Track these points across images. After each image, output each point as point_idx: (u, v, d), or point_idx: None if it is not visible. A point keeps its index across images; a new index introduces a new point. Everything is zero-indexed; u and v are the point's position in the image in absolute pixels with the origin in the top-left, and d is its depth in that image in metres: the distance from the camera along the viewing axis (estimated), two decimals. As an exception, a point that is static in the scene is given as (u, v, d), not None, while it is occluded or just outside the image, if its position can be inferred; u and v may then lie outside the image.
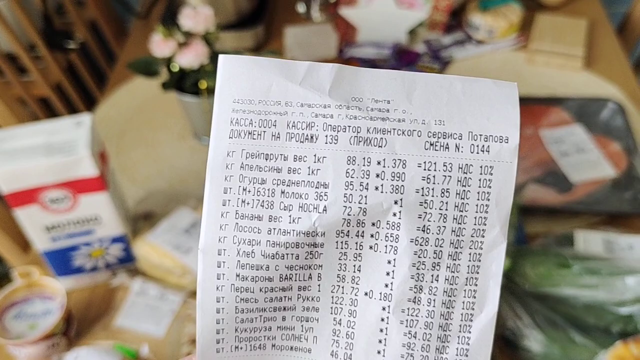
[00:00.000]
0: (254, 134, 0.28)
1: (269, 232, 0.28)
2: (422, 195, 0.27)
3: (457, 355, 0.28)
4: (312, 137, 0.28)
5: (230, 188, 0.28)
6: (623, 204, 0.70)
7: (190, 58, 0.70)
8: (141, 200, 0.76)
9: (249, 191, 0.28)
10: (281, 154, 0.28)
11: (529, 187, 0.71)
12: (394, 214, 0.28)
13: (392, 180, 0.28)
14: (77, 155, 0.56)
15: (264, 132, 0.28)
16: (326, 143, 0.28)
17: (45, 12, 0.95)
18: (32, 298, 0.63)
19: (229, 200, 0.28)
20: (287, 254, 0.28)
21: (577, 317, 0.59)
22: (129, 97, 0.92)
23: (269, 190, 0.28)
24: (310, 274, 0.29)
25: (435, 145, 0.27)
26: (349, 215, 0.28)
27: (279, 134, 0.28)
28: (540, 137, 0.77)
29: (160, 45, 0.70)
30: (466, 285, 0.28)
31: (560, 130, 0.78)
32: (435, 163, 0.27)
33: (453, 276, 0.28)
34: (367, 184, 0.27)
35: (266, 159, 0.28)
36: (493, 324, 0.28)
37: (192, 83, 0.73)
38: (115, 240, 0.65)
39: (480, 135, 0.27)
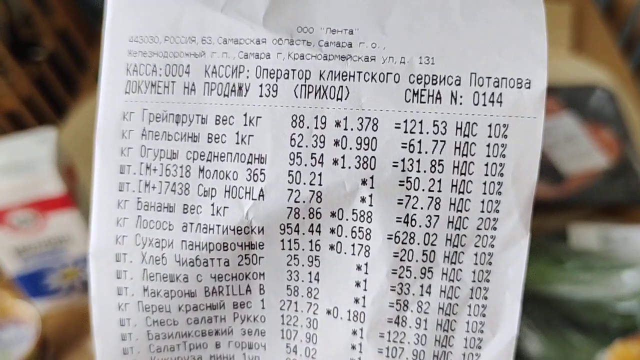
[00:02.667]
0: (158, 87, 0.21)
1: (184, 229, 0.20)
2: (403, 170, 0.19)
3: None
4: (240, 88, 0.20)
5: (129, 166, 0.21)
6: (617, 194, 0.68)
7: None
8: (117, 214, 0.73)
9: (155, 169, 0.21)
10: (198, 115, 0.20)
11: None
12: (363, 199, 0.20)
13: (358, 149, 0.19)
14: (41, 174, 0.54)
15: (173, 82, 0.20)
16: (261, 96, 0.20)
17: (11, 23, 0.92)
18: (4, 324, 0.60)
19: (128, 184, 0.21)
20: (212, 259, 0.20)
21: (573, 315, 0.57)
22: (102, 106, 0.89)
23: (182, 167, 0.20)
24: (248, 286, 0.21)
25: (421, 95, 0.19)
26: (296, 202, 0.20)
27: (193, 84, 0.20)
28: (528, 129, 0.75)
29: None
30: (471, 298, 0.20)
31: (549, 120, 0.76)
32: (421, 122, 0.19)
33: (452, 286, 0.20)
34: (322, 155, 0.20)
35: (177, 122, 0.20)
36: (511, 351, 0.21)
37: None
38: (90, 259, 0.62)
39: (489, 78, 0.19)
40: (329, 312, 0.21)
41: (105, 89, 0.21)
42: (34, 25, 0.99)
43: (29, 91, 0.91)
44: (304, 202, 0.20)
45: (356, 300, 0.21)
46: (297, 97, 0.20)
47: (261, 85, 0.20)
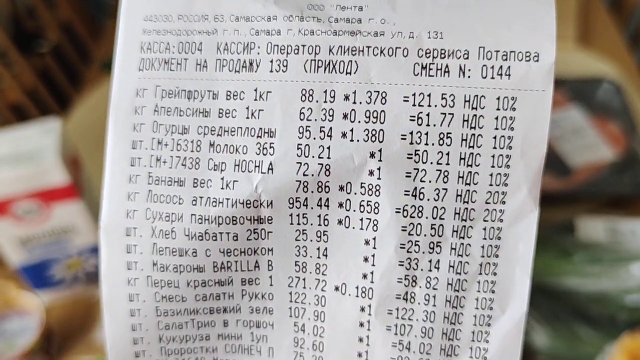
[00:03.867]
0: (171, 64, 0.21)
1: (194, 202, 0.20)
2: (411, 143, 0.19)
3: None
4: (251, 64, 0.20)
5: (141, 141, 0.21)
6: (624, 187, 0.68)
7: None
8: (122, 206, 0.73)
9: (166, 144, 0.21)
10: (209, 90, 0.20)
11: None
12: (371, 173, 0.20)
13: (367, 122, 0.19)
14: (46, 164, 0.54)
15: (185, 59, 0.21)
16: (271, 71, 0.20)
17: (15, 15, 0.92)
18: (9, 315, 0.60)
19: (139, 159, 0.21)
20: (220, 233, 0.20)
21: (580, 308, 0.57)
22: (106, 98, 0.89)
23: (192, 142, 0.21)
24: (256, 262, 0.21)
25: (429, 69, 0.19)
26: (305, 175, 0.20)
27: (205, 61, 0.21)
28: (535, 121, 0.74)
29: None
30: (480, 274, 0.20)
31: (556, 113, 0.75)
32: (429, 95, 0.19)
33: (461, 262, 0.20)
34: (331, 129, 0.20)
35: (188, 98, 0.21)
36: (521, 330, 0.20)
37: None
38: (94, 250, 0.62)
39: (497, 51, 0.19)
40: (337, 288, 0.21)
41: (119, 66, 0.22)
42: (38, 17, 0.98)
43: (33, 83, 0.91)
44: (312, 175, 0.20)
45: (364, 276, 0.21)
46: (306, 71, 0.20)
47: (271, 61, 0.20)
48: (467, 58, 0.19)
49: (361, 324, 0.21)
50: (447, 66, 0.19)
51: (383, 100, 0.19)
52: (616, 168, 0.69)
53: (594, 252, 0.58)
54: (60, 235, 0.60)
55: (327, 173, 0.20)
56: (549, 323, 0.56)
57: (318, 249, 0.21)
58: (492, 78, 0.19)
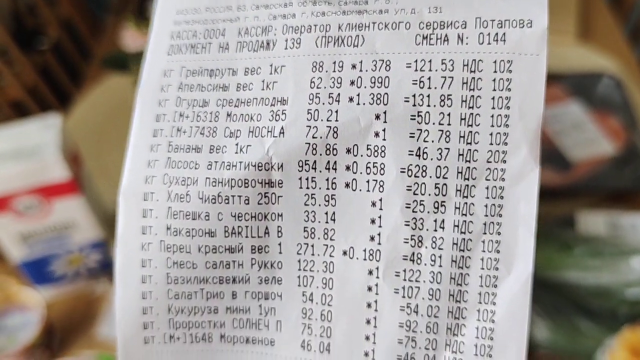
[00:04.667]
0: (197, 48, 0.23)
1: (209, 167, 0.21)
2: (414, 105, 0.20)
3: (477, 337, 0.21)
4: (268, 44, 0.22)
5: (165, 115, 0.22)
6: (624, 181, 0.68)
7: (165, 51, 0.67)
8: (123, 202, 0.73)
9: (187, 117, 0.22)
10: (229, 68, 0.22)
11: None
12: (376, 134, 0.21)
13: (372, 87, 0.21)
14: (46, 160, 0.54)
15: (210, 43, 0.23)
16: (286, 48, 0.22)
17: (15, 12, 0.92)
18: (10, 310, 0.60)
19: (162, 130, 0.22)
20: (233, 196, 0.21)
21: (581, 301, 0.57)
22: (106, 96, 0.89)
23: (211, 113, 0.22)
24: (267, 227, 0.22)
25: (430, 39, 0.21)
26: (314, 138, 0.21)
27: (227, 44, 0.22)
28: (535, 116, 0.74)
29: (132, 38, 0.67)
30: (485, 233, 0.20)
31: (555, 107, 0.75)
32: (430, 61, 0.20)
33: (465, 221, 0.20)
34: (339, 95, 0.21)
35: (210, 76, 0.22)
36: (528, 291, 0.21)
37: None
38: (95, 246, 0.62)
39: (492, 20, 0.20)
40: (345, 253, 0.21)
41: (150, 52, 0.23)
42: (39, 14, 0.98)
43: (33, 81, 0.91)
44: (321, 137, 0.21)
45: (372, 238, 0.21)
46: (317, 46, 0.21)
47: (286, 40, 0.22)
48: (465, 27, 0.20)
49: (369, 288, 0.21)
50: (446, 35, 0.21)
51: (387, 68, 0.21)
52: (616, 162, 0.69)
53: (595, 245, 0.58)
54: (61, 231, 0.60)
55: (335, 135, 0.21)
56: (550, 316, 0.56)
57: (326, 213, 0.21)
58: (489, 44, 0.20)
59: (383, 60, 0.21)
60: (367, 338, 0.22)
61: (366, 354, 0.22)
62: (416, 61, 0.21)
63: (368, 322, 0.22)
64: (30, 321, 0.59)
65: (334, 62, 0.21)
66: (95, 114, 0.87)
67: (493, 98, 0.20)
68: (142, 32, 0.67)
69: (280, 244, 0.22)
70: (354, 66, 0.21)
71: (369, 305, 0.21)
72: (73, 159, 0.57)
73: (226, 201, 0.21)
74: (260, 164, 0.21)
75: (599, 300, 0.57)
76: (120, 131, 0.84)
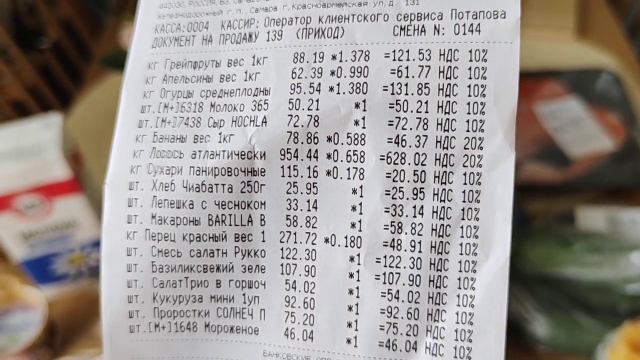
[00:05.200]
0: (181, 40, 0.23)
1: (193, 156, 0.22)
2: (393, 94, 0.21)
3: (457, 322, 0.21)
4: (250, 36, 0.23)
5: (150, 106, 0.23)
6: (624, 177, 0.68)
7: (165, 50, 0.67)
8: (123, 201, 0.73)
9: (171, 107, 0.23)
10: (213, 60, 0.23)
11: (525, 165, 0.69)
12: (356, 122, 0.21)
13: (352, 76, 0.21)
14: (47, 158, 0.54)
15: (193, 36, 0.23)
16: (268, 40, 0.22)
17: (15, 12, 0.92)
18: (12, 310, 0.60)
19: (147, 121, 0.23)
20: (216, 185, 0.22)
21: (581, 297, 0.57)
22: (107, 95, 0.89)
23: (195, 104, 0.23)
24: (250, 216, 0.22)
25: (407, 29, 0.21)
26: (295, 126, 0.21)
27: (210, 37, 0.23)
28: (534, 113, 0.74)
29: (132, 37, 0.67)
30: (463, 219, 0.21)
31: (555, 104, 0.76)
32: (407, 51, 0.21)
33: (443, 207, 0.21)
34: (319, 84, 0.22)
35: (194, 68, 0.23)
36: (506, 275, 0.20)
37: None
38: (97, 245, 0.62)
39: (468, 12, 0.21)
40: (327, 240, 0.22)
41: (135, 45, 0.24)
42: (38, 14, 0.99)
43: (33, 80, 0.91)
44: (302, 126, 0.22)
45: (352, 225, 0.22)
46: (298, 38, 0.22)
47: (268, 32, 0.23)
48: (441, 19, 0.21)
49: (351, 275, 0.22)
50: (423, 26, 0.21)
51: (366, 58, 0.22)
52: (615, 158, 0.69)
53: (595, 241, 0.58)
54: (62, 230, 0.60)
55: (316, 124, 0.22)
56: (550, 312, 0.56)
57: (308, 201, 0.22)
58: (464, 34, 0.21)
59: (362, 51, 0.22)
60: (350, 325, 0.22)
61: (348, 341, 0.22)
62: (394, 51, 0.21)
63: (350, 308, 0.22)
64: (32, 320, 0.59)
65: (315, 53, 0.22)
66: (96, 113, 0.87)
67: (469, 86, 0.21)
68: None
69: (263, 232, 0.22)
70: (334, 57, 0.22)
71: (350, 292, 0.22)
72: (74, 157, 0.57)
73: (210, 190, 0.22)
74: (243, 153, 0.22)
75: (599, 295, 0.57)
76: (120, 130, 0.85)
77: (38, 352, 0.58)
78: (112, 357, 0.23)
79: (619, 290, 0.56)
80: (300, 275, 0.22)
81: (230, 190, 0.22)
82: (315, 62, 0.22)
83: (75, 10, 1.01)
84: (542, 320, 0.55)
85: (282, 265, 0.22)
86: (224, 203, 0.22)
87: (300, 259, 0.22)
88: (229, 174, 0.22)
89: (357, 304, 0.22)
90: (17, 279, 0.61)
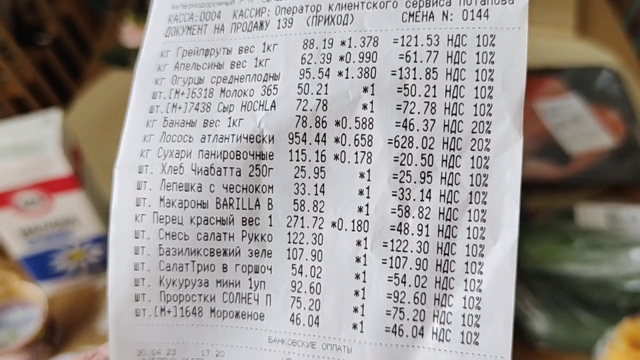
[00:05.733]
0: (193, 29, 0.24)
1: (203, 140, 0.22)
2: (401, 78, 0.21)
3: (465, 307, 0.21)
4: (261, 24, 0.23)
5: (161, 92, 0.23)
6: (623, 174, 0.67)
7: (165, 46, 0.67)
8: (123, 197, 0.73)
9: (182, 93, 0.23)
10: (224, 48, 0.23)
11: (525, 161, 0.69)
12: (364, 107, 0.21)
13: (361, 62, 0.22)
14: (47, 155, 0.54)
15: (206, 25, 0.24)
16: (278, 28, 0.23)
17: (15, 8, 0.92)
18: (11, 306, 0.60)
19: (157, 107, 0.23)
20: (225, 168, 0.22)
21: (581, 294, 0.57)
22: (107, 91, 0.89)
23: (206, 90, 0.23)
24: (257, 200, 0.22)
25: (416, 16, 0.21)
26: (304, 110, 0.22)
27: (222, 25, 0.24)
28: (534, 110, 0.74)
29: (132, 33, 0.67)
30: (471, 203, 0.21)
31: (555, 101, 0.75)
32: (416, 37, 0.21)
33: (451, 190, 0.21)
34: (328, 69, 0.22)
35: (205, 55, 0.23)
36: (514, 259, 0.20)
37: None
38: (96, 241, 0.62)
39: None
40: (334, 224, 0.22)
41: (148, 34, 0.24)
42: (38, 10, 0.99)
43: (33, 77, 0.91)
44: (311, 110, 0.22)
45: (360, 209, 0.22)
46: (308, 25, 0.22)
47: (279, 20, 0.23)
48: (450, 5, 0.21)
49: (357, 259, 0.22)
50: (431, 12, 0.21)
51: (375, 43, 0.22)
52: (615, 155, 0.69)
53: (595, 238, 0.58)
54: (62, 227, 0.60)
55: (325, 108, 0.22)
56: (550, 309, 0.56)
57: (316, 185, 0.22)
58: (472, 19, 0.21)
59: (371, 37, 0.22)
60: (356, 310, 0.22)
61: (354, 326, 0.22)
62: (403, 37, 0.21)
63: (356, 293, 0.22)
64: (31, 316, 0.59)
65: (324, 40, 0.22)
66: (96, 109, 0.87)
67: (477, 71, 0.21)
68: (142, 27, 0.67)
69: (270, 217, 0.22)
70: (343, 43, 0.22)
71: (357, 277, 0.22)
72: (74, 154, 0.57)
73: (218, 173, 0.22)
74: (252, 136, 0.22)
75: (598, 292, 0.57)
76: (121, 127, 0.85)
77: (37, 348, 0.58)
78: (118, 342, 0.23)
79: (619, 286, 0.56)
80: (306, 259, 0.22)
81: (238, 173, 0.22)
82: (324, 48, 0.22)
83: (75, 7, 1.01)
84: (541, 317, 0.55)
85: (288, 250, 0.22)
86: (232, 186, 0.22)
87: (307, 243, 0.22)
88: (238, 157, 0.22)
89: (363, 289, 0.22)
90: (16, 275, 0.61)
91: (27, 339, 0.56)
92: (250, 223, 0.22)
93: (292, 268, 0.22)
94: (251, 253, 0.22)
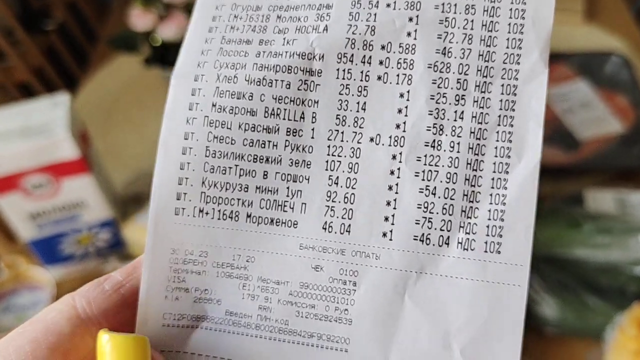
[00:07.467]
0: None
1: (258, 55, 0.24)
2: (443, 11, 0.23)
3: (489, 218, 0.23)
4: None
5: (220, 16, 0.25)
6: (632, 159, 0.67)
7: (172, 30, 0.66)
8: (130, 182, 0.73)
9: (240, 18, 0.25)
10: None
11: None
12: (408, 34, 0.23)
13: None
14: (56, 137, 0.53)
15: None
16: None
17: (21, -7, 0.92)
18: (20, 289, 0.60)
19: (216, 28, 0.25)
20: (276, 80, 0.24)
21: (590, 279, 0.57)
22: (113, 76, 0.89)
23: (263, 16, 0.25)
24: (303, 113, 0.24)
25: None
26: (353, 34, 0.24)
27: None
28: (543, 95, 0.74)
29: (140, 17, 0.67)
30: (499, 125, 0.23)
31: (564, 86, 0.75)
32: None
33: (482, 113, 0.23)
34: (378, 2, 0.24)
35: None
36: (536, 177, 0.23)
37: (176, 57, 0.70)
38: (104, 225, 0.62)
39: None
40: (372, 139, 0.23)
41: None
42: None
43: (39, 62, 0.91)
44: (360, 34, 0.24)
45: (397, 126, 0.23)
46: None
47: None
48: None
49: (392, 172, 0.23)
50: None
51: None
52: (624, 141, 0.69)
53: (604, 222, 0.58)
54: (70, 211, 0.60)
55: (372, 33, 0.24)
56: (559, 294, 0.56)
57: (358, 103, 0.24)
58: None
59: None
60: (387, 219, 0.23)
61: (384, 234, 0.23)
62: None
63: (388, 203, 0.23)
64: (39, 300, 0.60)
65: None
66: (102, 94, 0.86)
67: (510, 9, 0.23)
68: (149, 11, 0.67)
69: (313, 129, 0.24)
70: None
71: (390, 188, 0.23)
72: (82, 137, 0.57)
73: (269, 84, 0.24)
74: (303, 54, 0.24)
75: (607, 277, 0.57)
76: (127, 111, 0.85)
77: (46, 332, 0.58)
78: (155, 238, 0.24)
79: (628, 271, 0.56)
80: (343, 171, 0.24)
81: (288, 86, 0.24)
82: None
83: (80, -8, 1.00)
84: (550, 301, 0.55)
85: (327, 162, 0.24)
86: (280, 98, 0.24)
87: (345, 156, 0.24)
88: (289, 71, 0.24)
89: (395, 199, 0.23)
90: (24, 259, 0.61)
91: (35, 322, 0.56)
92: (294, 134, 0.24)
93: (329, 179, 0.24)
94: (292, 162, 0.24)
